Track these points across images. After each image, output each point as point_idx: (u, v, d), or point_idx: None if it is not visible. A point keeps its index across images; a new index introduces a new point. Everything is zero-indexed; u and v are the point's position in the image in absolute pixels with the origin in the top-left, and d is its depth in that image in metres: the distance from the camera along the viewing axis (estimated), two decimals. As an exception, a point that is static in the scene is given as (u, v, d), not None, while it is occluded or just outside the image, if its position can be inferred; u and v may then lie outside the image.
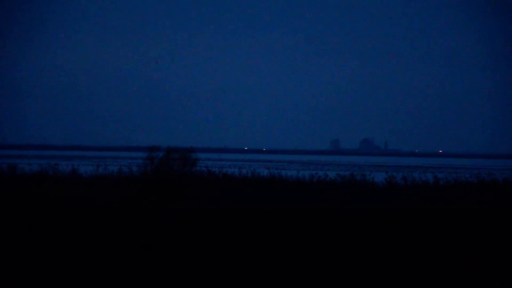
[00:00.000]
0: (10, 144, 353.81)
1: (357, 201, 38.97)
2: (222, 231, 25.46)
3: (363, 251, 21.82)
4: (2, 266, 18.63)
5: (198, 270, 18.49)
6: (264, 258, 20.32)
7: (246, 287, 17.14)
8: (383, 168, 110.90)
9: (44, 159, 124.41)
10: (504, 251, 22.13)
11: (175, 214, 31.04)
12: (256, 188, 43.04)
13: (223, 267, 18.87)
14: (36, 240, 22.61)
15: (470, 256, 21.19)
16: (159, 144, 36.61)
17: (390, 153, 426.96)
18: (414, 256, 21.00)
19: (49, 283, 16.97)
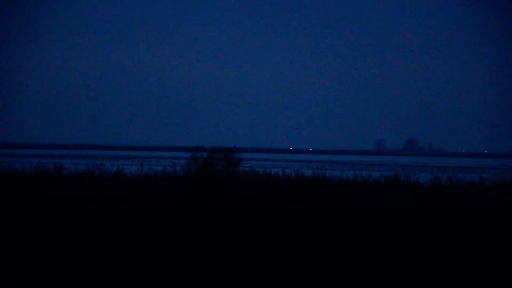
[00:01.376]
0: (54, 144, 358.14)
1: (399, 201, 38.72)
2: (260, 230, 25.50)
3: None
4: (63, 264, 18.88)
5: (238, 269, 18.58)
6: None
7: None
8: (427, 169, 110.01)
9: (89, 159, 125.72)
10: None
11: (218, 213, 31.15)
12: (299, 188, 43.01)
13: (255, 265, 18.94)
14: (92, 241, 22.87)
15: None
16: (202, 144, 36.80)
17: (435, 153, 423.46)
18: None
19: (112, 278, 17.15)
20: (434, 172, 54.63)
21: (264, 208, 34.42)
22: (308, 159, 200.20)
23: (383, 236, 25.00)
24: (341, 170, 78.22)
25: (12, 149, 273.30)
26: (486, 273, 18.77)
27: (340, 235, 24.91)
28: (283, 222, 28.65)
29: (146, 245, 21.94)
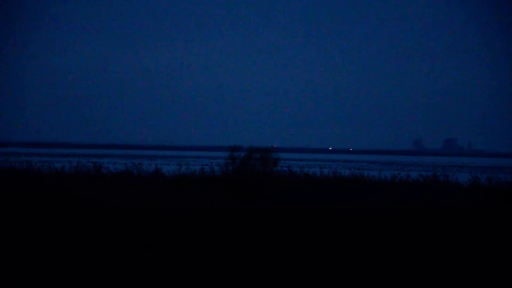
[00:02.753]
0: (94, 144, 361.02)
1: (438, 201, 38.47)
2: (295, 230, 25.49)
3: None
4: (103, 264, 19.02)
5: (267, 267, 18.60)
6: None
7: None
8: (466, 169, 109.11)
9: (128, 159, 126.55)
10: None
11: (256, 213, 31.21)
12: (336, 187, 42.91)
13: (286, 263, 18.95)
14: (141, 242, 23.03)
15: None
16: (240, 144, 36.86)
17: (474, 153, 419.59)
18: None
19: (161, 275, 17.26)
20: (473, 173, 54.22)
21: (300, 208, 34.40)
22: (347, 159, 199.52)
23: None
24: (379, 170, 77.90)
25: (51, 149, 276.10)
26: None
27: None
28: (317, 222, 28.62)
29: (189, 246, 22.04)
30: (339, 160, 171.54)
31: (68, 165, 52.56)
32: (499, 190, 43.89)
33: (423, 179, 46.83)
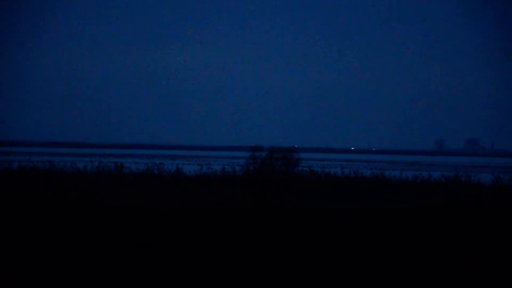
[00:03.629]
0: (114, 144, 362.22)
1: (460, 202, 38.28)
2: (315, 230, 25.47)
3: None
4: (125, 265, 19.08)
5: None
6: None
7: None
8: (489, 169, 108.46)
9: (150, 158, 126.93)
10: None
11: (276, 213, 31.20)
12: (356, 187, 42.86)
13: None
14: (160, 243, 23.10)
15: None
16: (261, 144, 36.83)
17: (497, 153, 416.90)
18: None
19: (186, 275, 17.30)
20: (495, 173, 53.82)
21: (322, 208, 34.36)
22: (368, 159, 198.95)
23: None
24: (400, 170, 77.60)
25: (73, 149, 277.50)
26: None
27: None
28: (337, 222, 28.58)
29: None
30: (360, 160, 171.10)
31: (90, 165, 52.79)
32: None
33: (445, 179, 46.62)
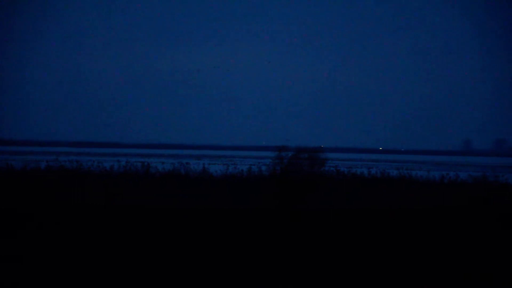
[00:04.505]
0: (140, 144, 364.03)
1: (486, 202, 38.06)
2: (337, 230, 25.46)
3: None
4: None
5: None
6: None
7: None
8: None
9: (177, 158, 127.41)
10: None
11: (304, 214, 31.22)
12: (382, 187, 42.77)
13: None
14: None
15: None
16: (287, 144, 36.82)
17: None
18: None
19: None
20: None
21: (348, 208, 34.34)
22: (396, 159, 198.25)
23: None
24: (427, 170, 77.32)
25: (101, 148, 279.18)
26: None
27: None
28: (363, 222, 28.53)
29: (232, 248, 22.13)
30: (387, 160, 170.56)
31: (117, 165, 53.12)
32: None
33: (472, 180, 46.40)
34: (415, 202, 38.24)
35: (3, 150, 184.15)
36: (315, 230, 25.97)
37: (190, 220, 27.99)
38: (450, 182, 46.22)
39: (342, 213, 32.05)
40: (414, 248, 22.21)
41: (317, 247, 21.93)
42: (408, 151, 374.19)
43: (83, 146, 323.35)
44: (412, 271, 18.76)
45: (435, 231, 26.27)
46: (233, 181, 43.01)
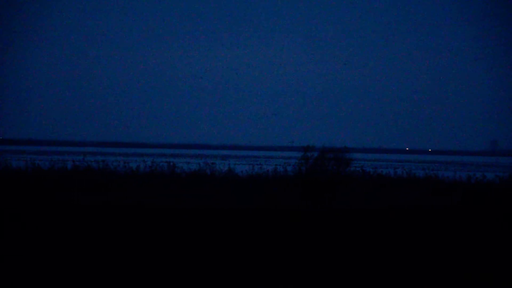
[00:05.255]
0: (168, 143, 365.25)
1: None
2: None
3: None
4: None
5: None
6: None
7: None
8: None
9: (202, 158, 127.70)
10: None
11: (329, 213, 31.21)
12: (407, 188, 42.70)
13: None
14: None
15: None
16: (313, 144, 36.82)
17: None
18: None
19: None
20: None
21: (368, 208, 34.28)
22: (423, 159, 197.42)
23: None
24: (454, 171, 76.97)
25: (125, 148, 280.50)
26: None
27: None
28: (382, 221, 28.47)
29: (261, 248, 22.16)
30: (413, 161, 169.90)
31: (143, 165, 53.38)
32: None
33: (499, 180, 46.15)
34: (441, 202, 38.11)
35: (30, 150, 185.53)
36: (343, 230, 25.97)
37: (219, 220, 28.09)
38: (476, 183, 45.99)
39: (368, 213, 32.01)
40: (444, 248, 22.16)
41: (344, 247, 21.94)
42: (435, 152, 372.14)
43: (109, 146, 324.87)
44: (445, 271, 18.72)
45: (461, 231, 26.18)
46: (259, 181, 43.09)
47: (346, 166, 35.95)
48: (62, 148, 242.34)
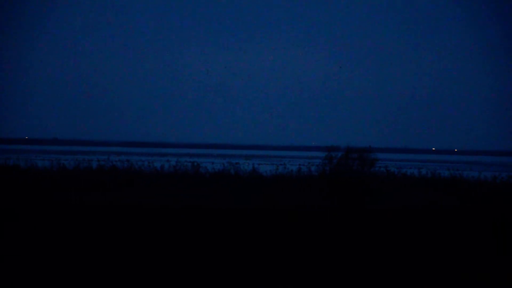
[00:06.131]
0: (191, 143, 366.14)
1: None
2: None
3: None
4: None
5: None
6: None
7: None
8: None
9: (226, 158, 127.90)
10: None
11: (355, 213, 31.14)
12: (431, 188, 42.55)
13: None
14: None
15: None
16: (337, 144, 36.77)
17: None
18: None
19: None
20: None
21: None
22: (448, 159, 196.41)
23: None
24: (479, 171, 76.51)
25: (149, 148, 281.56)
26: None
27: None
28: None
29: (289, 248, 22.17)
30: (438, 161, 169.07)
31: (167, 164, 53.55)
32: None
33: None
34: (466, 202, 37.91)
35: (56, 150, 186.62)
36: (369, 229, 25.91)
37: (246, 220, 28.12)
38: (502, 183, 45.69)
39: (395, 213, 31.92)
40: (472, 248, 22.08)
41: (371, 247, 21.90)
42: (462, 152, 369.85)
43: (133, 146, 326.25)
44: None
45: (487, 231, 26.08)
46: (283, 181, 43.07)
47: (370, 166, 35.88)
48: (85, 148, 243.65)
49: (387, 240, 23.46)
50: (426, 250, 21.65)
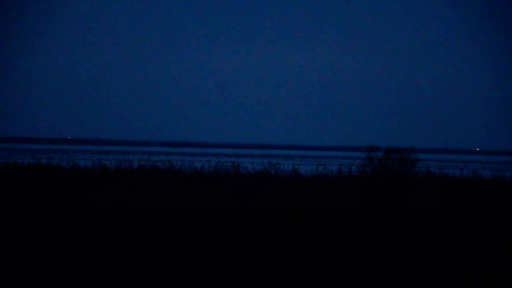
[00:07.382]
0: (231, 143, 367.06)
1: None
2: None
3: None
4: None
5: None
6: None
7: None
8: None
9: (266, 158, 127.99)
10: None
11: (397, 216, 31.03)
12: (471, 188, 42.24)
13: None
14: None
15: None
16: (378, 144, 36.63)
17: None
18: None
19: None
20: None
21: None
22: (491, 160, 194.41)
23: None
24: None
25: (189, 148, 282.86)
26: None
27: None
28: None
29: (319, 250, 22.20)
30: (480, 161, 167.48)
31: (207, 165, 53.81)
32: None
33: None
34: (505, 203, 37.59)
35: (99, 150, 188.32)
36: (411, 230, 25.83)
37: (289, 221, 28.17)
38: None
39: (436, 212, 31.75)
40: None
41: (413, 247, 21.83)
42: (505, 152, 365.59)
43: (174, 146, 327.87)
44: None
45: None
46: (323, 181, 43.04)
47: (411, 166, 35.67)
48: (126, 148, 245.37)
49: (430, 241, 23.35)
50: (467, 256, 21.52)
